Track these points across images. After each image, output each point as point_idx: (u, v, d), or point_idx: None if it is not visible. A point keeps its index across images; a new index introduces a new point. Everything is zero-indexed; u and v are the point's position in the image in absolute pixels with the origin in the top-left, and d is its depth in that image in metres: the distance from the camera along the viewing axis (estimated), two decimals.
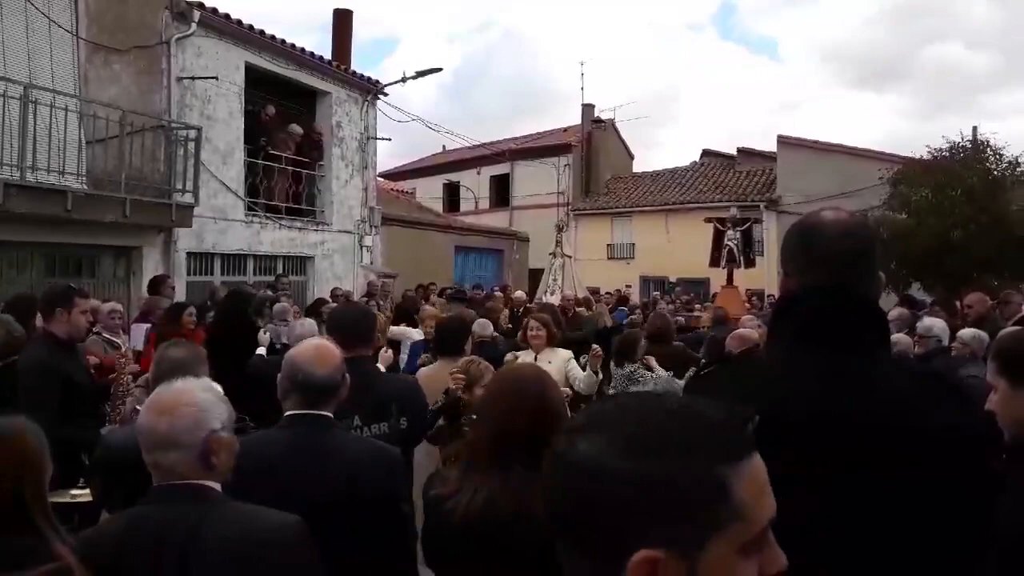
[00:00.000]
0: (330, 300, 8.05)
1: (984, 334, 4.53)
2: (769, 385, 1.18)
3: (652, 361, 5.02)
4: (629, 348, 5.05)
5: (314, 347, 2.10)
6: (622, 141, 26.20)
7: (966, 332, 4.70)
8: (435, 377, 3.61)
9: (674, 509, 0.63)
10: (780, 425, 1.08)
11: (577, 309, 9.15)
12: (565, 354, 4.88)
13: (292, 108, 12.16)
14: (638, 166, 26.86)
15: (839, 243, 1.22)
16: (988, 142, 13.54)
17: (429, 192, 25.21)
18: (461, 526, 1.57)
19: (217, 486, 1.57)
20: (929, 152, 14.02)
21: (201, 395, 1.59)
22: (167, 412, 1.54)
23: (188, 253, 9.62)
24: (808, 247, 1.26)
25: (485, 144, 21.83)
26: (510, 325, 7.32)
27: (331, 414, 2.05)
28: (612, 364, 5.05)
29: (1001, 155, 13.33)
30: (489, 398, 1.80)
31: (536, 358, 4.70)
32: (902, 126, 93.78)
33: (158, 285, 7.25)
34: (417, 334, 6.04)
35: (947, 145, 13.88)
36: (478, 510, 1.57)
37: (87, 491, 2.71)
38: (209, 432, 1.54)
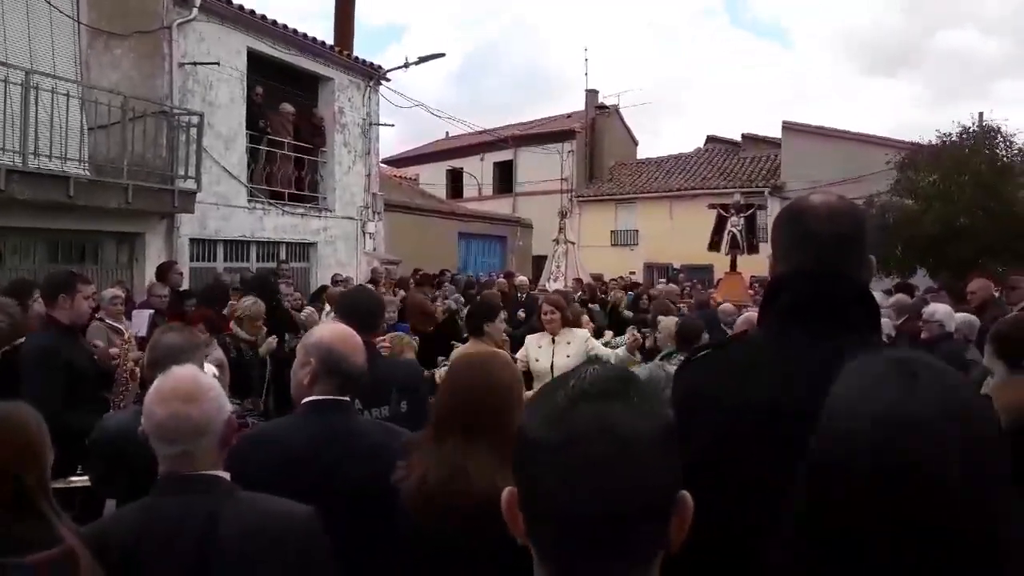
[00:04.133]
0: (332, 287, 8.05)
1: (974, 319, 4.77)
2: (747, 372, 1.17)
3: None
4: (693, 336, 5.03)
5: (347, 334, 2.01)
6: (626, 127, 26.03)
7: (957, 316, 4.84)
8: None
9: None
10: (751, 415, 1.07)
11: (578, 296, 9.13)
12: (583, 334, 4.82)
13: (294, 94, 12.10)
14: (642, 152, 26.75)
15: (825, 226, 1.20)
16: (999, 128, 13.36)
17: (432, 178, 25.13)
18: (412, 506, 1.63)
19: (227, 475, 1.53)
20: (938, 137, 13.87)
21: (211, 379, 1.56)
22: (194, 399, 1.47)
23: (191, 239, 9.62)
24: (794, 230, 1.24)
25: (488, 130, 21.71)
26: (506, 314, 7.26)
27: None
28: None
29: (1012, 142, 13.17)
30: (439, 388, 1.87)
31: (554, 340, 4.67)
32: (913, 113, 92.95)
33: (166, 272, 7.22)
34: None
35: (958, 129, 13.70)
36: (417, 485, 1.64)
37: (85, 477, 2.66)
38: (229, 416, 1.52)
